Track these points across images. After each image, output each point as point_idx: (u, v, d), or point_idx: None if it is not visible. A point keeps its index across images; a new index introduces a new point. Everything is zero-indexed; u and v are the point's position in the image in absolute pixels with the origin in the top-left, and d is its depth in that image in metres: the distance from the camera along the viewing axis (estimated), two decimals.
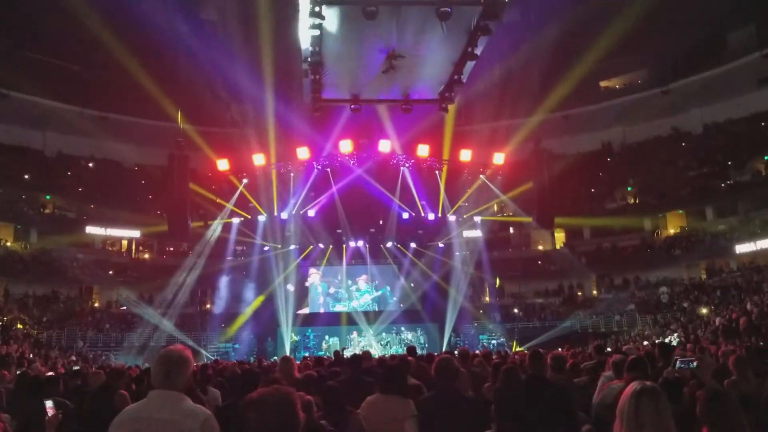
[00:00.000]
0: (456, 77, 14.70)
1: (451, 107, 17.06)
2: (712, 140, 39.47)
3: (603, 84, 44.37)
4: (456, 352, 11.42)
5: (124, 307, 35.98)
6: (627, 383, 4.14)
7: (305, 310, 33.71)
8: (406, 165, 31.00)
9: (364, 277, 34.56)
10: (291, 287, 33.12)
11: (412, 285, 33.99)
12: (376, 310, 33.81)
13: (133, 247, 41.38)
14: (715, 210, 37.31)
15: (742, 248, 32.71)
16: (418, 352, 16.89)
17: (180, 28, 31.79)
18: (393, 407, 5.12)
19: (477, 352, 17.07)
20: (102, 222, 38.02)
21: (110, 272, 37.36)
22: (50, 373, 11.08)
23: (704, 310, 29.22)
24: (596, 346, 9.77)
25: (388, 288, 34.48)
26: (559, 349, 14.23)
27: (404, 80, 14.89)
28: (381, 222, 34.43)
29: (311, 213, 31.50)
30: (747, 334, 22.34)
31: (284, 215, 31.32)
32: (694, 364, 6.51)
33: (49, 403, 5.50)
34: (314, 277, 34.66)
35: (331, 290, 34.60)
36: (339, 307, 34.04)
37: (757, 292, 27.33)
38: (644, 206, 39.38)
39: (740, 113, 38.37)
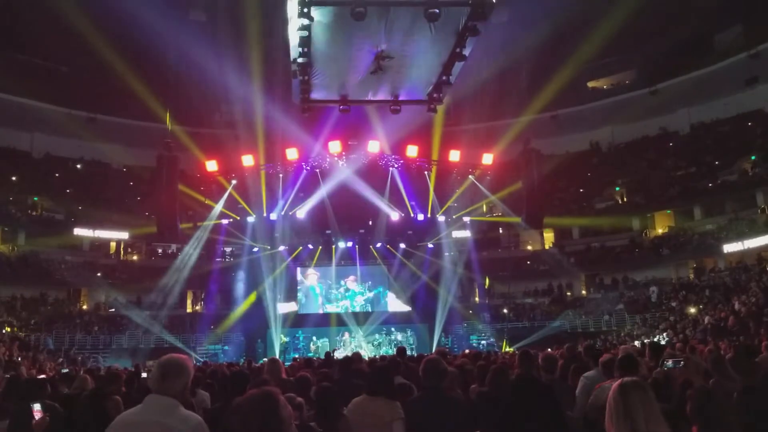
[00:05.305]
0: (444, 78, 14.69)
1: (440, 108, 17.08)
2: (699, 140, 39.73)
3: (591, 84, 44.56)
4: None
5: (113, 309, 35.78)
6: None
7: (289, 307, 33.63)
8: (395, 165, 31.03)
9: (351, 277, 34.56)
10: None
11: (406, 283, 34.11)
12: (370, 311, 33.82)
13: (122, 248, 41.14)
14: (703, 209, 37.43)
15: (729, 248, 32.82)
16: (408, 352, 16.91)
17: (169, 29, 31.69)
18: (379, 409, 5.09)
19: (467, 351, 17.12)
20: (90, 223, 37.76)
21: (99, 274, 37.09)
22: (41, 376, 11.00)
23: (693, 310, 29.35)
24: (586, 346, 9.76)
25: (382, 288, 34.51)
26: (549, 350, 14.25)
27: (393, 81, 14.87)
28: (370, 223, 34.47)
29: (300, 214, 31.45)
30: (735, 333, 22.49)
31: (273, 216, 31.26)
32: (682, 363, 6.55)
33: (36, 406, 5.44)
34: (312, 278, 34.61)
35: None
36: (332, 308, 34.02)
37: (745, 291, 27.48)
38: (632, 206, 39.52)
39: (727, 113, 38.69)
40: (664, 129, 42.37)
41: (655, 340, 24.03)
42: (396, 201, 31.81)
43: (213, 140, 36.70)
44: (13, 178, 37.74)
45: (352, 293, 34.28)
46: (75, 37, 31.45)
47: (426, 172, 31.37)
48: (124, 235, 39.42)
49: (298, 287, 34.64)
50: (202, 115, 39.47)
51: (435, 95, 15.78)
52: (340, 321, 33.02)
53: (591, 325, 33.12)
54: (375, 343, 31.83)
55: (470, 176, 31.40)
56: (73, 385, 8.33)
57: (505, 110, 37.62)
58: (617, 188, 40.91)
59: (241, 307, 33.34)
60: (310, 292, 34.48)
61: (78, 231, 37.59)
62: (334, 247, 34.00)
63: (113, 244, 40.98)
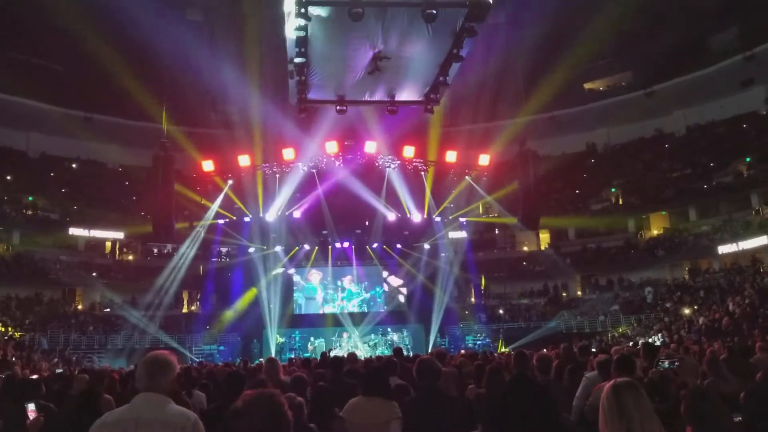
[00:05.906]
0: (441, 79, 14.68)
1: (437, 109, 17.06)
2: (694, 142, 39.83)
3: (587, 86, 44.62)
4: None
5: (108, 309, 35.70)
6: None
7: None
8: (392, 166, 31.00)
9: (348, 277, 34.56)
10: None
11: (400, 285, 34.14)
12: (366, 311, 33.82)
13: (117, 248, 41.06)
14: (698, 211, 37.54)
15: (724, 249, 32.93)
16: (404, 353, 16.90)
17: (166, 28, 31.58)
18: (376, 409, 5.10)
19: (463, 351, 17.14)
20: (85, 223, 37.69)
21: (94, 274, 37.02)
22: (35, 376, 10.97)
23: (687, 311, 29.41)
24: (581, 347, 9.80)
25: (378, 288, 34.52)
26: (545, 350, 14.28)
27: (390, 82, 14.83)
28: (367, 223, 34.47)
29: (297, 214, 31.42)
30: (730, 334, 22.54)
31: (270, 216, 31.21)
32: (677, 364, 6.58)
33: (31, 406, 5.43)
34: (314, 277, 34.59)
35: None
36: (329, 308, 34.01)
37: (740, 292, 27.55)
38: (628, 207, 39.60)
39: (722, 115, 38.81)
40: (659, 130, 42.48)
41: (650, 341, 24.10)
42: (392, 201, 31.79)
43: (209, 140, 36.59)
44: (9, 178, 37.66)
45: (348, 293, 34.28)
46: (71, 36, 31.35)
47: (423, 173, 31.35)
48: (119, 235, 39.34)
49: (294, 287, 34.62)
50: (199, 114, 39.37)
51: (432, 96, 15.76)
52: (336, 321, 33.02)
53: (586, 325, 33.16)
54: (371, 343, 31.82)
55: (467, 177, 31.41)
56: (74, 387, 8.31)
57: (501, 111, 37.57)
58: (613, 189, 40.97)
59: (237, 308, 33.30)
60: (312, 292, 34.48)
61: (73, 231, 37.51)
62: (330, 247, 34.00)
63: (108, 244, 40.88)
